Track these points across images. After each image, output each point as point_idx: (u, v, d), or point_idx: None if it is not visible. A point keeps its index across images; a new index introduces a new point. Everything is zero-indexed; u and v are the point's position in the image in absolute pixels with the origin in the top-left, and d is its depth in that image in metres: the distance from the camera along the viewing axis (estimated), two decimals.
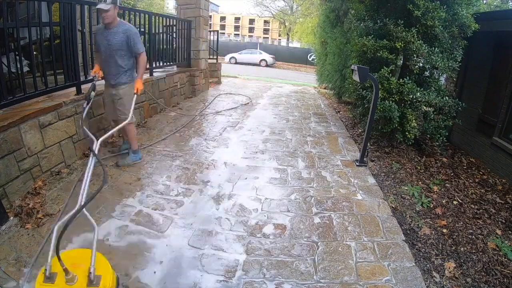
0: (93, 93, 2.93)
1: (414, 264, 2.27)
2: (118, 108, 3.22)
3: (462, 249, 2.58)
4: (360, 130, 5.53)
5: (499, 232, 2.88)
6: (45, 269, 1.56)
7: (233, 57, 22.04)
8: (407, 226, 2.80)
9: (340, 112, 7.14)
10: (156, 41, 5.76)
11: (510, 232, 2.92)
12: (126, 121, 2.86)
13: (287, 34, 31.64)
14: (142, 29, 5.26)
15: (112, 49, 3.01)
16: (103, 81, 3.27)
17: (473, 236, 2.78)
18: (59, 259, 1.51)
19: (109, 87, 3.23)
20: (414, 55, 4.18)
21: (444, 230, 2.81)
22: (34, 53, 3.08)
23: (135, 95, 3.10)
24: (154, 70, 5.37)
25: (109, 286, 1.62)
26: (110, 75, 3.14)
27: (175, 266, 2.09)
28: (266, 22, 43.49)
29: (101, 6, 2.80)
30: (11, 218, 2.34)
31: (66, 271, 1.53)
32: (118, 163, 3.36)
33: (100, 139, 2.31)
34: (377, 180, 3.57)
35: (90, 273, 1.58)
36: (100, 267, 1.66)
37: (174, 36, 6.53)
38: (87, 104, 2.88)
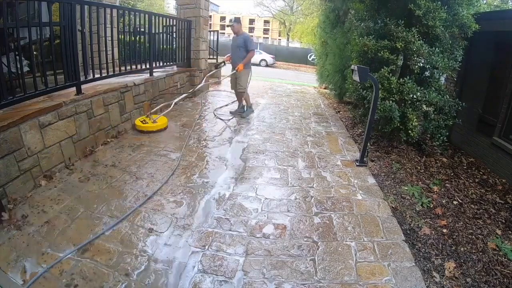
0: (222, 65, 6.09)
1: (414, 264, 2.27)
2: (238, 83, 5.39)
3: (462, 249, 2.58)
4: (360, 130, 5.53)
5: (499, 232, 2.88)
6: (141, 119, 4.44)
7: None
8: (407, 226, 2.80)
9: (340, 112, 7.14)
10: (156, 41, 5.76)
11: (510, 232, 2.92)
12: (243, 91, 5.46)
13: (287, 34, 31.62)
14: (142, 29, 5.26)
15: (237, 47, 5.25)
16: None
17: (473, 236, 2.78)
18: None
19: (232, 70, 5.48)
20: (415, 55, 4.18)
21: (444, 230, 2.81)
22: (34, 53, 3.08)
23: (250, 75, 5.47)
24: (154, 70, 5.36)
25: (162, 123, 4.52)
26: (235, 63, 5.38)
27: (174, 266, 2.09)
28: (266, 22, 43.50)
29: (229, 24, 5.24)
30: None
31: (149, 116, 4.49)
32: (242, 115, 5.62)
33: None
34: (377, 180, 3.57)
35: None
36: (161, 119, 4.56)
37: (174, 36, 6.52)
38: (215, 68, 6.23)
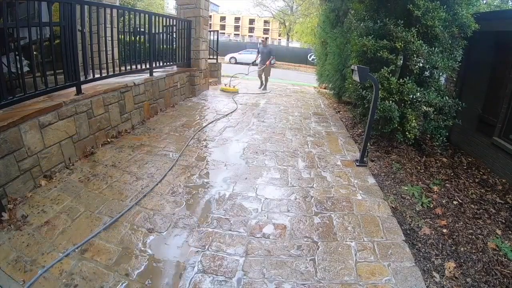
0: (256, 64, 9.55)
1: (414, 264, 2.27)
2: (265, 73, 9.23)
3: (462, 249, 2.58)
4: (360, 130, 5.53)
5: (499, 232, 2.88)
6: (225, 84, 8.81)
7: (233, 57, 22.07)
8: (407, 226, 2.80)
9: (340, 112, 7.14)
10: (156, 41, 5.76)
11: (510, 232, 2.92)
12: (269, 77, 9.51)
13: (287, 34, 31.61)
14: (142, 29, 5.26)
15: (266, 53, 9.00)
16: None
17: (473, 236, 2.78)
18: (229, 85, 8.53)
19: (260, 65, 9.19)
20: (414, 55, 4.18)
21: (444, 230, 2.81)
22: (34, 53, 3.08)
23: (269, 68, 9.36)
24: (154, 70, 5.37)
25: (236, 89, 8.53)
26: (263, 61, 9.04)
27: (174, 266, 2.09)
28: (266, 22, 43.49)
29: (262, 39, 9.91)
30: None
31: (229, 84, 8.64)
32: (264, 91, 9.23)
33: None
34: (377, 180, 3.57)
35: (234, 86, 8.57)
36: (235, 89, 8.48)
37: (174, 36, 6.53)
38: (252, 64, 9.80)
